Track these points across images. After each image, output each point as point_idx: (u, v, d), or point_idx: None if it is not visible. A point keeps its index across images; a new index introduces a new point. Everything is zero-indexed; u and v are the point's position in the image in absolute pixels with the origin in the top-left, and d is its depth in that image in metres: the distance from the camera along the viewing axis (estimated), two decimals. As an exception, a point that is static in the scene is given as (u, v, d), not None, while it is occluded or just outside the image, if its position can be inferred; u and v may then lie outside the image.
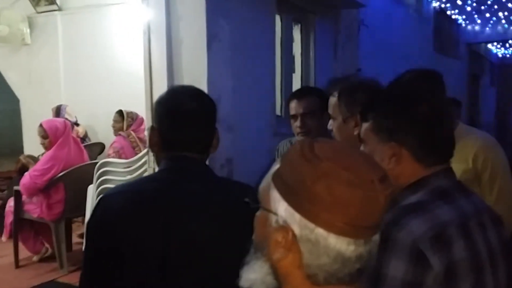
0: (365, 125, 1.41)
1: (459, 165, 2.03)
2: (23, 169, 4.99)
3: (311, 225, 0.82)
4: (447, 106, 1.93)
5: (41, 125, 4.80)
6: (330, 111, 2.12)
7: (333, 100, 2.09)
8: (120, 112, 5.50)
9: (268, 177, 0.91)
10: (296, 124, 2.70)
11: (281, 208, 0.85)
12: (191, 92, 1.56)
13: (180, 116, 1.49)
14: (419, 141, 1.32)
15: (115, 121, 5.52)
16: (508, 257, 1.36)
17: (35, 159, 5.05)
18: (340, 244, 0.82)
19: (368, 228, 0.83)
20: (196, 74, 4.60)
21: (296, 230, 0.84)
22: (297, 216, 0.83)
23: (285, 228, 0.84)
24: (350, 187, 0.81)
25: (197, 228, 1.40)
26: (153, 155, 1.62)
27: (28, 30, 6.49)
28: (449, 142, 1.38)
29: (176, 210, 1.41)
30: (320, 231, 0.82)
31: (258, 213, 0.93)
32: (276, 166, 0.91)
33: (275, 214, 0.86)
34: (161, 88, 4.39)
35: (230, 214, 1.44)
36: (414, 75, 2.04)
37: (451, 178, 1.38)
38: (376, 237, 0.86)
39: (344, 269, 0.84)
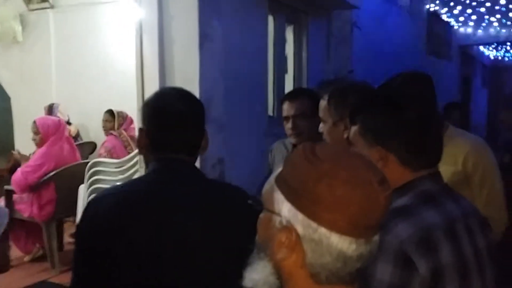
0: (354, 128, 1.42)
1: (449, 167, 2.05)
2: (15, 166, 4.98)
3: (314, 225, 0.85)
4: (435, 110, 1.92)
5: (34, 122, 4.85)
6: (321, 114, 2.12)
7: (323, 103, 2.09)
8: (110, 112, 5.48)
9: (271, 180, 0.94)
10: (288, 126, 2.71)
11: (285, 209, 0.88)
12: (179, 93, 1.56)
13: (168, 118, 1.49)
14: (405, 146, 1.32)
15: (106, 120, 5.50)
16: (495, 260, 1.37)
17: (26, 158, 5.04)
18: (342, 243, 0.84)
19: (369, 228, 0.86)
20: (188, 74, 4.59)
21: (300, 230, 0.86)
22: (300, 216, 0.86)
23: (288, 228, 0.87)
24: (350, 187, 0.84)
25: (190, 229, 1.40)
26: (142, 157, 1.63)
27: (20, 28, 6.45)
28: (437, 147, 1.38)
29: (169, 210, 1.41)
30: (323, 230, 0.84)
31: (261, 215, 0.96)
32: (279, 169, 0.94)
33: (279, 215, 0.89)
34: (153, 87, 4.39)
35: (222, 215, 1.45)
36: (403, 78, 2.05)
37: (439, 182, 1.38)
38: (377, 238, 0.88)
39: (345, 268, 0.86)
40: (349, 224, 0.84)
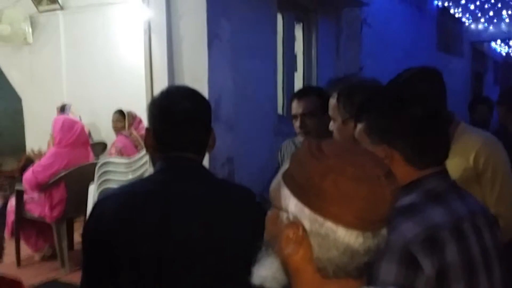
0: (359, 126, 1.40)
1: (460, 160, 2.03)
2: (27, 165, 5.02)
3: (321, 219, 0.86)
4: (442, 107, 1.90)
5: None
6: (330, 112, 2.12)
7: (332, 101, 2.09)
8: (120, 112, 5.49)
9: (278, 177, 0.95)
10: (297, 124, 2.72)
11: (291, 205, 0.89)
12: (185, 92, 1.55)
13: (174, 116, 1.48)
14: (410, 145, 1.31)
15: (116, 120, 5.51)
16: (504, 259, 1.35)
17: (40, 158, 5.09)
18: (348, 237, 0.85)
19: (376, 221, 0.86)
20: (196, 73, 4.60)
21: (306, 225, 0.87)
22: (307, 211, 0.87)
23: (295, 223, 0.88)
24: (356, 181, 0.84)
25: (193, 229, 1.40)
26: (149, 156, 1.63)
27: (30, 29, 6.49)
28: (443, 145, 1.36)
29: (171, 211, 1.41)
30: (329, 224, 0.85)
31: (269, 212, 0.97)
32: (285, 166, 0.95)
33: (286, 211, 0.90)
34: (161, 86, 4.35)
35: (226, 215, 1.45)
36: (411, 74, 2.02)
37: (445, 180, 1.36)
38: (384, 231, 0.89)
39: (352, 263, 0.87)
40: (355, 218, 0.84)
